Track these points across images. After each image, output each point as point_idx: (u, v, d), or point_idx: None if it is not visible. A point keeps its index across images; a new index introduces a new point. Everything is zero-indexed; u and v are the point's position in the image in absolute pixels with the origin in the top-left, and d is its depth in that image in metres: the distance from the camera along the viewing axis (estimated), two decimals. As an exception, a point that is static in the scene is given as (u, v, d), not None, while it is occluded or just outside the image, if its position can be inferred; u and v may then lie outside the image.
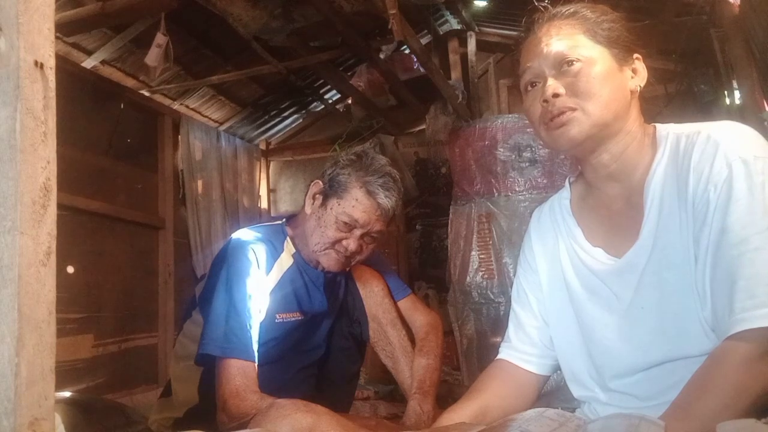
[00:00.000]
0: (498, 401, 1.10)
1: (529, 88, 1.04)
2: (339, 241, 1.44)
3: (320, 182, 1.50)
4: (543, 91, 0.99)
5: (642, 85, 1.01)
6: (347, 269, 1.58)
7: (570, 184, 1.16)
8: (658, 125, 1.03)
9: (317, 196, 1.49)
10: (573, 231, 1.09)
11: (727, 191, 0.86)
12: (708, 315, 0.87)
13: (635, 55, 1.01)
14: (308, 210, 1.51)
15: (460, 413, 1.07)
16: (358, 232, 1.44)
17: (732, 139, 0.90)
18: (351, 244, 1.44)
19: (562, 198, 1.15)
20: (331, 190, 1.46)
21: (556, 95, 0.97)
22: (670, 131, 0.99)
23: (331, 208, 1.44)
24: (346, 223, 1.42)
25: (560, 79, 0.98)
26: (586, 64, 0.97)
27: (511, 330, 1.19)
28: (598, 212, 1.06)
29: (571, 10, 1.02)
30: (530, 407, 1.13)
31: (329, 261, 1.48)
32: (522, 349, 1.16)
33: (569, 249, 1.09)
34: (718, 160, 0.88)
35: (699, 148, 0.91)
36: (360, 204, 1.42)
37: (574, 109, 0.97)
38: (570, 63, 0.97)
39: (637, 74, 1.01)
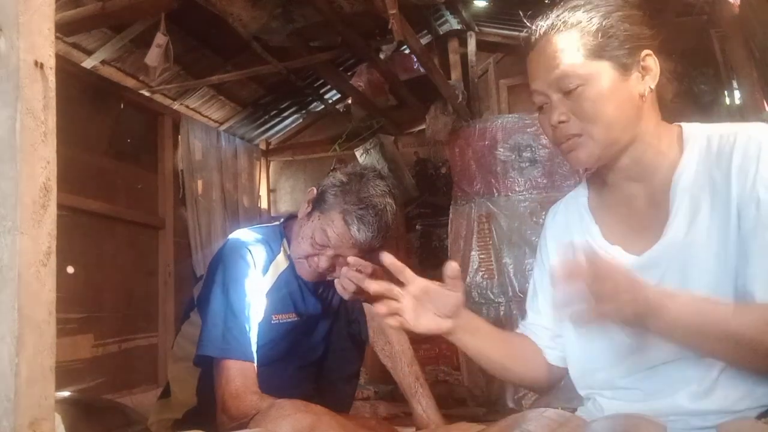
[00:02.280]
0: (526, 363, 1.14)
1: (540, 106, 1.03)
2: (311, 255, 1.44)
3: (315, 191, 1.50)
4: (550, 117, 0.99)
5: (653, 85, 0.97)
6: (323, 280, 1.55)
7: (587, 181, 1.15)
8: (684, 124, 1.01)
9: (309, 202, 1.49)
10: (590, 229, 1.08)
11: None
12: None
13: (644, 53, 0.97)
14: (300, 214, 1.51)
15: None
16: (330, 252, 1.42)
17: None
18: (322, 261, 1.42)
19: (579, 195, 1.15)
20: (318, 204, 1.45)
21: (561, 122, 0.97)
22: (699, 131, 0.98)
23: (312, 221, 1.44)
24: (319, 241, 1.42)
25: (565, 102, 0.97)
26: (586, 87, 0.94)
27: (530, 313, 1.21)
28: (618, 210, 1.06)
29: (572, 19, 0.97)
30: (543, 383, 1.17)
31: (301, 270, 1.48)
32: (538, 332, 1.17)
33: (586, 246, 1.09)
34: (764, 161, 0.88)
35: (740, 149, 0.91)
36: (335, 227, 1.40)
37: (580, 135, 0.96)
38: (571, 86, 0.95)
39: (649, 72, 0.97)
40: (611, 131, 0.95)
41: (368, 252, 1.45)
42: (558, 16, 0.99)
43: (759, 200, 0.87)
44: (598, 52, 0.95)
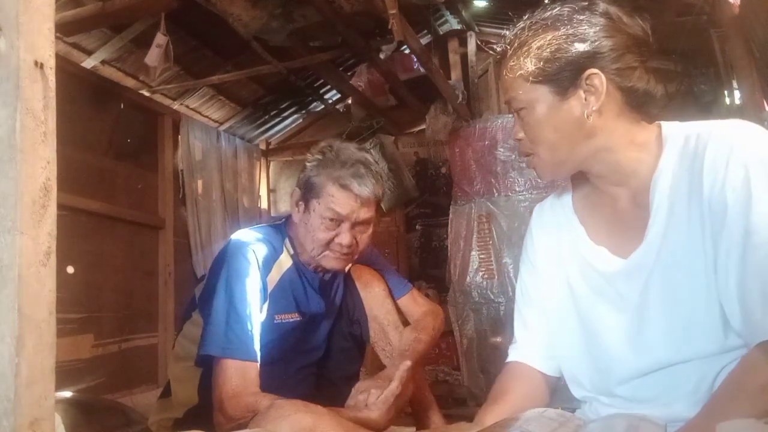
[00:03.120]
0: (528, 404, 1.07)
1: None
2: (331, 240, 1.43)
3: (298, 189, 1.50)
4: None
5: (597, 105, 0.94)
6: (350, 265, 1.57)
7: (571, 180, 1.14)
8: (664, 123, 1.00)
9: (299, 203, 1.49)
10: (576, 229, 1.08)
11: (747, 193, 0.84)
12: (736, 318, 0.86)
13: (588, 73, 0.93)
14: (296, 219, 1.51)
15: (497, 414, 1.04)
16: (346, 226, 1.42)
17: (746, 139, 0.89)
18: (344, 238, 1.42)
19: (564, 195, 1.14)
20: (309, 194, 1.45)
21: (518, 139, 1.04)
22: (677, 130, 0.98)
23: (313, 210, 1.44)
24: (331, 220, 1.41)
25: (518, 121, 1.02)
26: (527, 111, 0.99)
27: (517, 331, 1.19)
28: (602, 210, 1.05)
29: (517, 42, 0.99)
30: (548, 399, 1.13)
31: (330, 262, 1.47)
32: (530, 350, 1.15)
33: (572, 247, 1.08)
34: (734, 161, 0.87)
35: (712, 149, 0.90)
36: (337, 198, 1.41)
37: (531, 154, 1.02)
38: (517, 111, 1.01)
39: (594, 93, 0.94)
40: (555, 152, 0.99)
41: (377, 203, 1.47)
42: (512, 36, 1.01)
43: (726, 204, 0.86)
44: (536, 77, 0.96)
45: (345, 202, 1.41)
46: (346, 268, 1.67)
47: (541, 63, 0.95)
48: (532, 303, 1.17)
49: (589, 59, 0.94)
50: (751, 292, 0.83)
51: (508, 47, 1.01)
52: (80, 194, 3.17)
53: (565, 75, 0.94)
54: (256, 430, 1.03)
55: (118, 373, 3.33)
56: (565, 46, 0.94)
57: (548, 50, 0.95)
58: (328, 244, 1.44)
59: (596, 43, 0.94)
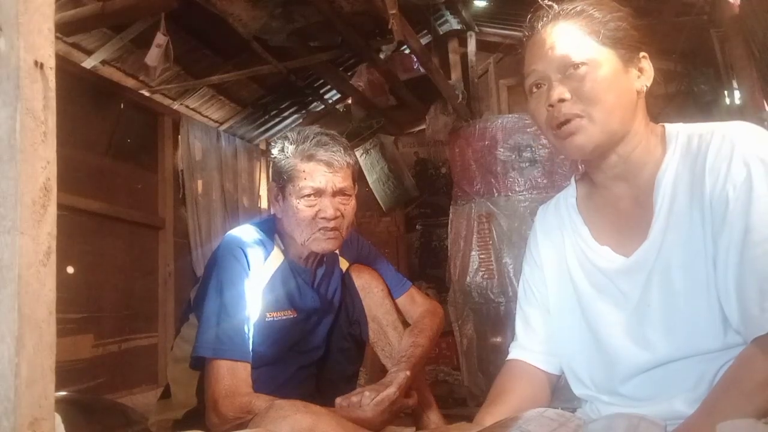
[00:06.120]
0: (528, 404, 1.07)
1: (534, 89, 1.02)
2: (315, 216, 1.42)
3: (273, 183, 1.50)
4: (548, 96, 0.98)
5: (648, 85, 0.99)
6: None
7: (576, 182, 1.15)
8: (667, 124, 1.02)
9: (278, 196, 1.49)
10: (579, 229, 1.09)
11: (747, 191, 0.85)
12: (734, 314, 0.87)
13: (641, 54, 0.99)
14: (278, 213, 1.50)
15: (496, 416, 1.04)
16: (326, 199, 1.41)
17: (748, 139, 0.90)
18: (327, 211, 1.41)
19: (568, 196, 1.15)
20: (283, 182, 1.45)
21: (561, 100, 0.96)
22: (680, 131, 0.99)
23: (290, 195, 1.43)
24: (309, 196, 1.41)
25: (566, 83, 0.96)
26: (591, 68, 0.95)
27: (519, 329, 1.19)
28: (605, 211, 1.06)
29: (577, 8, 1.00)
30: (550, 398, 1.14)
31: (320, 244, 1.44)
32: (531, 348, 1.15)
33: (576, 247, 1.09)
34: (736, 160, 0.88)
35: (714, 148, 0.91)
36: (308, 172, 1.40)
37: (580, 117, 0.95)
38: (576, 66, 0.96)
39: (644, 73, 0.99)
40: (611, 117, 0.95)
41: (352, 173, 1.47)
42: (565, 5, 1.01)
43: (727, 201, 0.87)
44: (603, 40, 0.97)
45: (317, 173, 1.40)
46: (345, 268, 1.67)
47: (611, 30, 0.97)
48: (534, 301, 1.17)
49: (643, 43, 0.99)
50: (749, 288, 0.84)
51: (567, 11, 1.00)
52: (80, 194, 3.17)
53: (627, 49, 0.98)
54: (256, 430, 1.03)
55: (118, 373, 3.33)
56: (628, 24, 0.99)
57: (617, 21, 0.98)
58: (313, 221, 1.42)
59: (642, 33, 0.99)
